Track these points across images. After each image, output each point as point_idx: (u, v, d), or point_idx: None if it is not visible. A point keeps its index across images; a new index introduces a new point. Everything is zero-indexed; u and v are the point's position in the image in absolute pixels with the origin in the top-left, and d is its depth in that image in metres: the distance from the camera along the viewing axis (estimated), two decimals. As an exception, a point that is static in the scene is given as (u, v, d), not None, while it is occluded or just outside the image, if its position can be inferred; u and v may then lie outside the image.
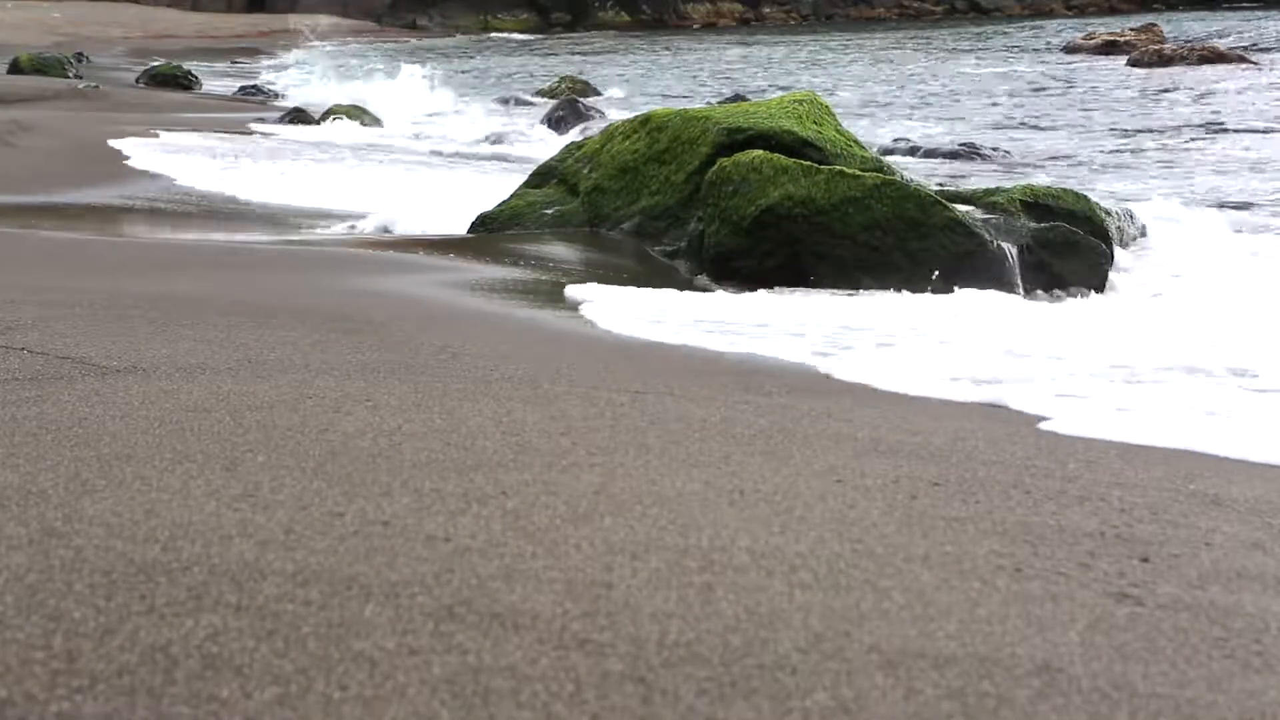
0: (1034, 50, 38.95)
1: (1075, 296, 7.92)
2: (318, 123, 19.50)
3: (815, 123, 9.10)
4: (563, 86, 27.02)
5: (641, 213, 8.95)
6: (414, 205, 10.04)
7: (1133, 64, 29.28)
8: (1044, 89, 26.65)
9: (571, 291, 6.68)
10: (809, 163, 8.42)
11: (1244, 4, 60.02)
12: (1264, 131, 18.24)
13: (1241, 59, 28.62)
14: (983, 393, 4.67)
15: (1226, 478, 3.60)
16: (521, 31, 66.97)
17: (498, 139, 18.51)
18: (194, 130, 16.49)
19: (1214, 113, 20.72)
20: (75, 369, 3.94)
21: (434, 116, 23.02)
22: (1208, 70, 26.94)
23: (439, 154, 16.23)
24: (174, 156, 13.04)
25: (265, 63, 42.06)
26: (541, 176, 9.83)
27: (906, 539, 2.73)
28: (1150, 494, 3.28)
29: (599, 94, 27.13)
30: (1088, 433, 4.08)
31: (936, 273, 7.77)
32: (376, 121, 20.55)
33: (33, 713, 1.81)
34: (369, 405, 3.64)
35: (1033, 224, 8.20)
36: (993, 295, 7.40)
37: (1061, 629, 2.29)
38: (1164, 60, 28.86)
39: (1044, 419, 4.27)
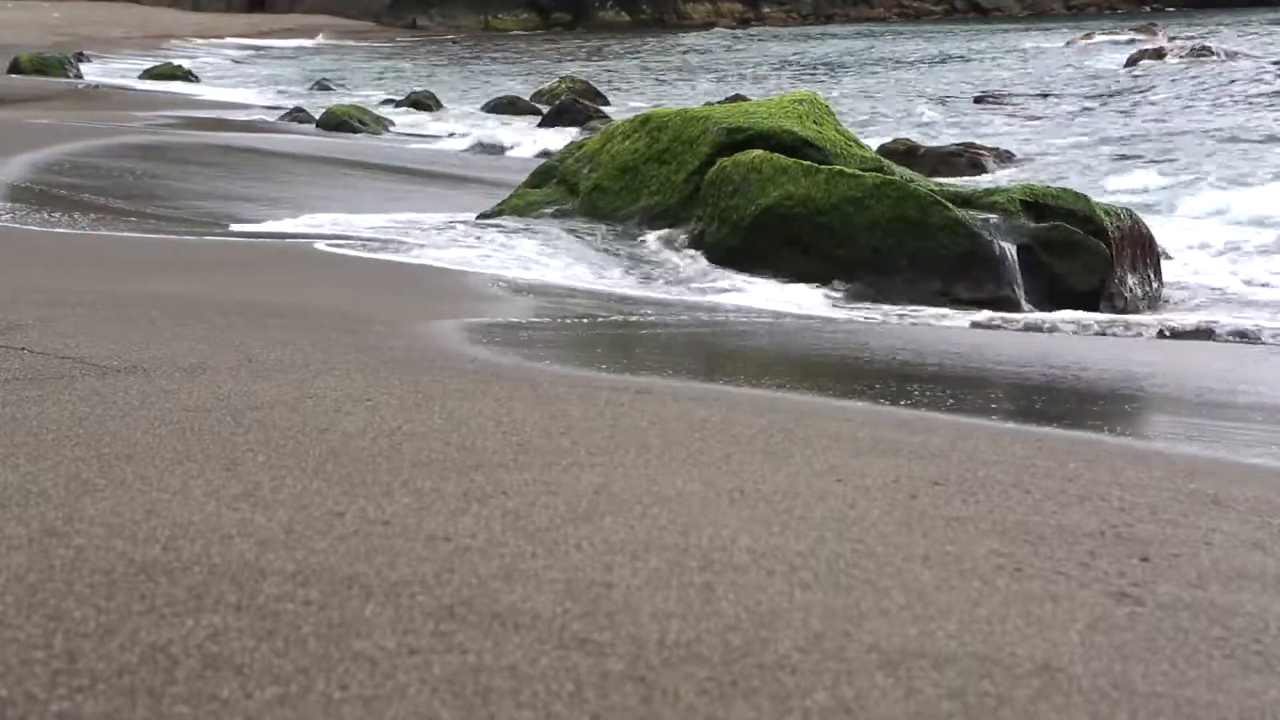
0: (1033, 49, 38.98)
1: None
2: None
3: (815, 122, 9.11)
4: (563, 87, 27.01)
5: (642, 212, 8.96)
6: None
7: (1131, 63, 29.30)
8: (1043, 89, 26.65)
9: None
10: (809, 163, 8.42)
11: (1240, 3, 59.99)
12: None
13: (1237, 57, 28.65)
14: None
15: (1226, 477, 3.60)
16: (522, 31, 66.98)
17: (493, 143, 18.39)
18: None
19: (1212, 112, 20.73)
20: (75, 369, 3.94)
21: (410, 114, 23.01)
22: (1206, 68, 26.94)
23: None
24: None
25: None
26: (542, 176, 9.83)
27: (906, 539, 2.72)
28: (1150, 493, 3.28)
29: (599, 94, 27.12)
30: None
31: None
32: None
33: (33, 712, 1.81)
34: (369, 405, 3.64)
35: (1032, 224, 8.20)
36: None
37: (1061, 629, 2.29)
38: (1162, 59, 28.88)
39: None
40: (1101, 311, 8.02)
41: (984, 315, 7.46)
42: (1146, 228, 8.79)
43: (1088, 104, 23.53)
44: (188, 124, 18.02)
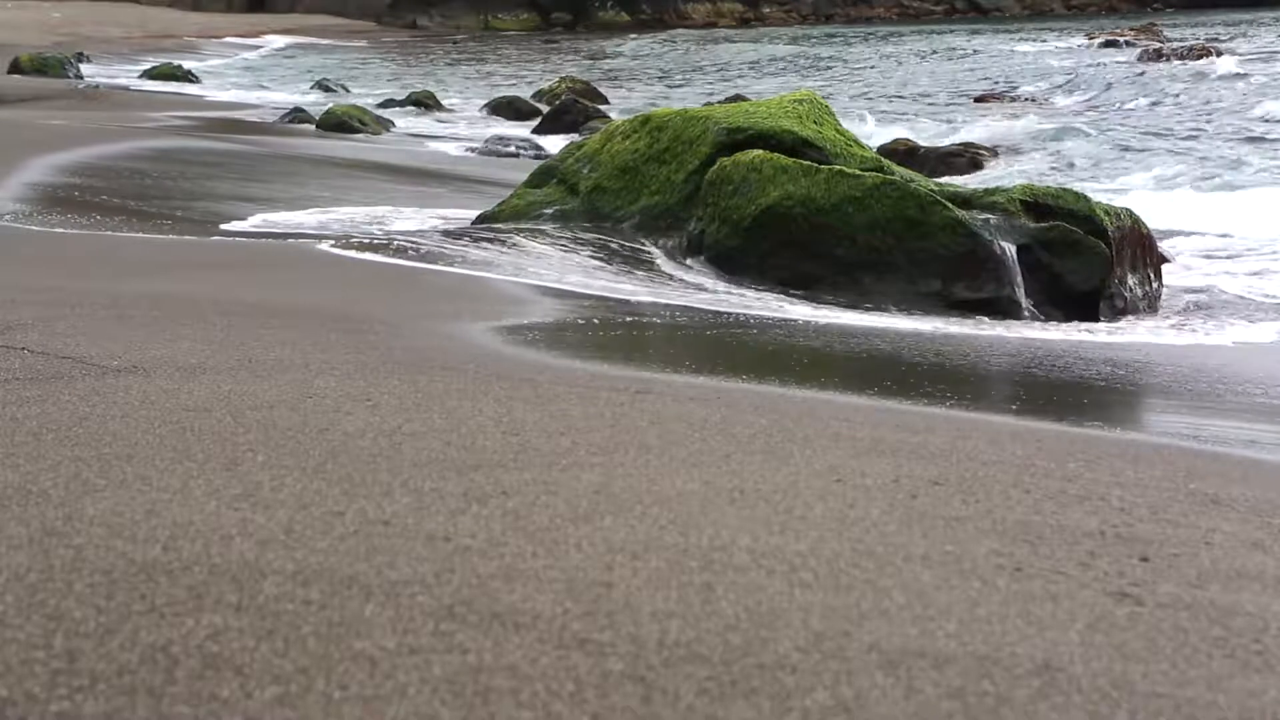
0: (1033, 49, 38.99)
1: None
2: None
3: (815, 122, 9.10)
4: (563, 86, 27.01)
5: (642, 212, 8.95)
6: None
7: (1131, 63, 29.35)
8: (1043, 88, 26.66)
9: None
10: (809, 162, 8.42)
11: (1242, 3, 59.99)
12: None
13: (1238, 57, 28.71)
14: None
15: (1226, 477, 3.60)
16: (522, 31, 67.00)
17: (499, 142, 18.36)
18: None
19: (1212, 112, 20.73)
20: (75, 369, 3.94)
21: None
22: (1207, 68, 26.96)
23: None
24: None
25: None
26: (541, 176, 9.83)
27: (906, 538, 2.72)
28: (1150, 493, 3.28)
29: (599, 94, 27.12)
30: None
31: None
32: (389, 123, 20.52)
33: (33, 712, 1.81)
34: (369, 405, 3.64)
35: (1032, 224, 8.19)
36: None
37: (1061, 628, 2.29)
38: (1162, 59, 28.92)
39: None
40: (1102, 312, 8.02)
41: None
42: (1146, 228, 8.78)
43: (1088, 104, 23.54)
44: (192, 126, 18.03)
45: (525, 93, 27.67)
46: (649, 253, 8.60)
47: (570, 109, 21.88)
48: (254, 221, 9.50)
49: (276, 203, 10.72)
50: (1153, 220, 9.44)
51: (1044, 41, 41.67)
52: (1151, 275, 8.56)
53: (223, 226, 9.07)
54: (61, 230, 8.08)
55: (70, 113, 18.34)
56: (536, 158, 15.80)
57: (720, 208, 8.42)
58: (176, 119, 18.88)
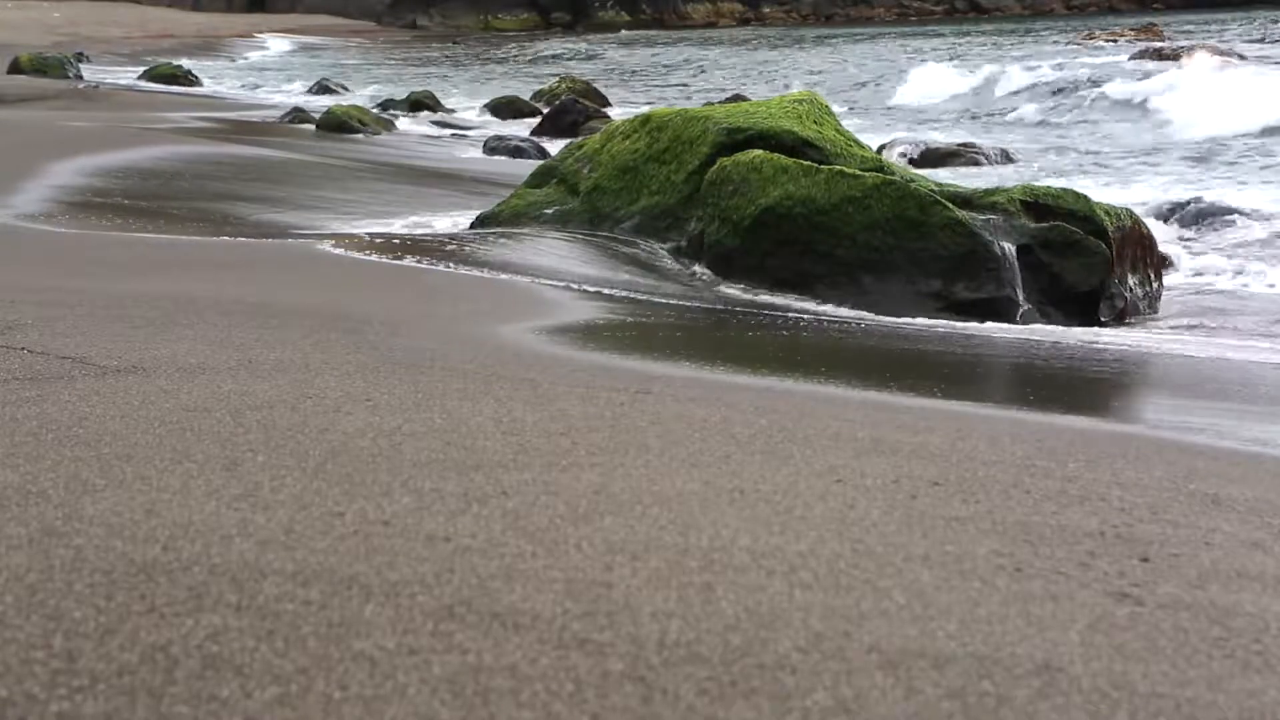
0: (1034, 49, 39.01)
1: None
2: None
3: (815, 122, 9.11)
4: (563, 86, 27.00)
5: (642, 212, 8.95)
6: None
7: (1131, 63, 29.37)
8: (1043, 89, 26.67)
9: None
10: (809, 162, 8.42)
11: (1242, 2, 60.02)
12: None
13: (1235, 56, 28.71)
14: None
15: (1226, 477, 3.60)
16: (521, 30, 67.02)
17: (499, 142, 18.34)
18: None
19: (1213, 111, 20.72)
20: (75, 369, 3.94)
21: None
22: (1208, 68, 26.95)
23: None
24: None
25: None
26: (541, 176, 9.83)
27: (906, 539, 2.72)
28: (1150, 493, 3.28)
29: (599, 94, 27.11)
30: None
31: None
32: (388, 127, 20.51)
33: (33, 712, 1.81)
34: (369, 405, 3.64)
35: (1032, 224, 8.19)
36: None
37: (1061, 629, 2.29)
38: (1162, 59, 28.95)
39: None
40: (1102, 312, 8.03)
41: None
42: (1147, 228, 8.78)
43: (1087, 104, 23.55)
44: (197, 128, 18.04)
45: (525, 93, 27.66)
46: (649, 252, 8.60)
47: (570, 109, 21.87)
48: (257, 226, 9.50)
49: (282, 204, 10.72)
50: (1149, 219, 9.44)
51: (1043, 42, 41.67)
52: (1152, 275, 8.56)
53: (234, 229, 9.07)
54: (64, 230, 8.08)
55: (76, 113, 18.33)
56: (536, 158, 15.80)
57: (720, 208, 8.42)
58: (179, 120, 18.88)
